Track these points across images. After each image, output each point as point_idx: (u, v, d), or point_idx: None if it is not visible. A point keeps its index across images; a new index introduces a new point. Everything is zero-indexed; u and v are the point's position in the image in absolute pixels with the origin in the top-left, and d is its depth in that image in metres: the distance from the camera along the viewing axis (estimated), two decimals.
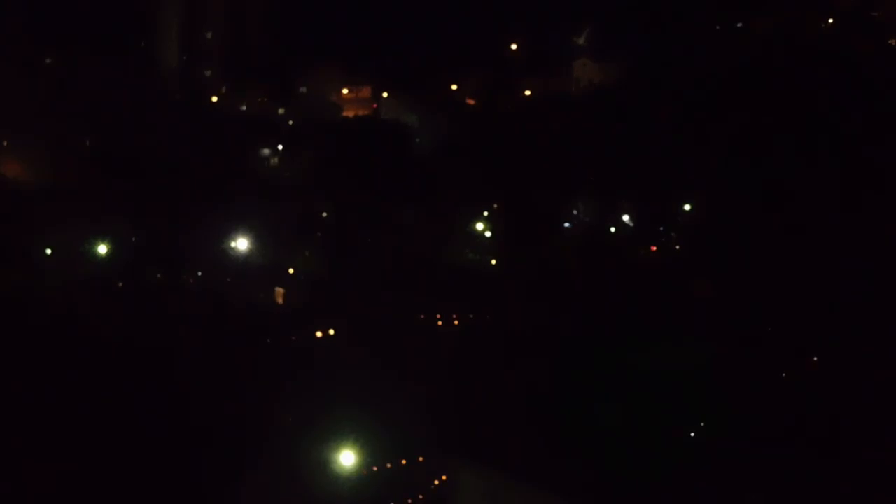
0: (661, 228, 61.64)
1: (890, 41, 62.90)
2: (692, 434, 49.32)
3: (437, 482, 50.00)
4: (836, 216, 52.20)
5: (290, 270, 61.72)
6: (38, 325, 51.24)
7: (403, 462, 50.22)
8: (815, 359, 51.50)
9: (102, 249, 58.82)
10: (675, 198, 60.49)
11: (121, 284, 58.23)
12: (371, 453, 49.12)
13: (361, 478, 48.91)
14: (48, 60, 68.43)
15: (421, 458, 50.38)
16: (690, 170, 58.20)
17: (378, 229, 62.05)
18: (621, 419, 47.10)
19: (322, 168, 66.12)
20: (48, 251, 57.89)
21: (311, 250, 62.21)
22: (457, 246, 62.84)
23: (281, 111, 72.77)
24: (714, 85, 59.34)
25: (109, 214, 58.75)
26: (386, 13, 71.15)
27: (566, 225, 63.22)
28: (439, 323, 59.13)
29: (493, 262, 62.66)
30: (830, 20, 63.58)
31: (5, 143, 64.58)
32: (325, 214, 64.25)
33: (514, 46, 72.31)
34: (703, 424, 49.40)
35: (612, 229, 62.28)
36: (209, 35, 73.85)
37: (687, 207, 60.51)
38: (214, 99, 72.92)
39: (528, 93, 71.84)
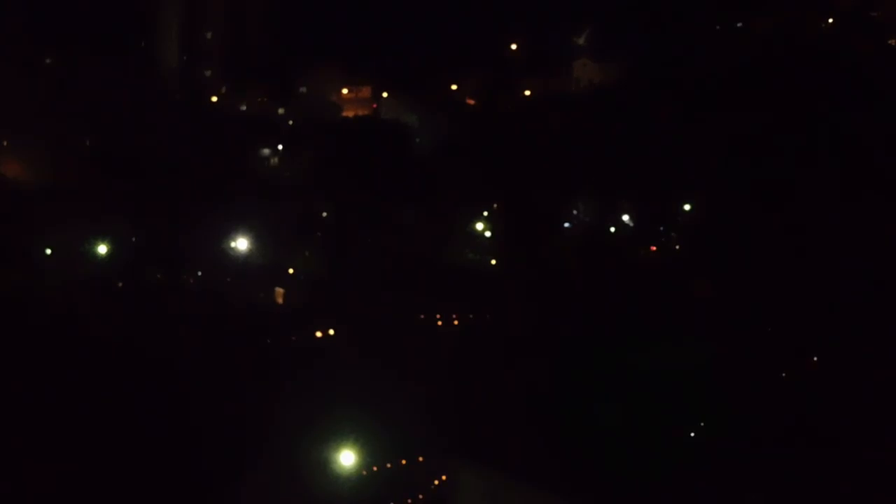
0: (661, 228, 61.65)
1: (890, 41, 62.93)
2: (692, 434, 49.31)
3: (437, 482, 49.97)
4: (836, 216, 52.19)
5: (290, 270, 61.72)
6: (38, 325, 51.24)
7: (403, 462, 50.20)
8: (815, 359, 51.50)
9: (102, 249, 58.83)
10: (675, 198, 60.50)
11: (121, 284, 58.23)
12: (371, 453, 49.11)
13: (361, 478, 48.90)
14: (48, 60, 68.44)
15: (421, 458, 50.36)
16: (690, 170, 58.20)
17: (378, 229, 62.05)
18: (621, 419, 47.09)
19: (322, 168, 66.12)
20: (48, 251, 57.89)
21: (311, 250, 62.22)
22: (457, 246, 62.85)
23: (281, 111, 72.76)
24: (714, 85, 59.35)
25: (109, 214, 58.77)
26: (386, 13, 71.19)
27: (566, 225, 63.22)
28: (439, 323, 59.13)
29: (493, 262, 62.66)
30: (830, 20, 63.62)
31: (5, 143, 64.58)
32: (325, 214, 64.26)
33: (514, 46, 72.32)
34: (703, 424, 49.39)
35: (612, 229, 62.28)
36: (209, 35, 73.83)
37: (687, 207, 60.52)
38: (214, 99, 72.91)
39: (528, 93, 71.84)
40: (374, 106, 74.92)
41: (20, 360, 48.68)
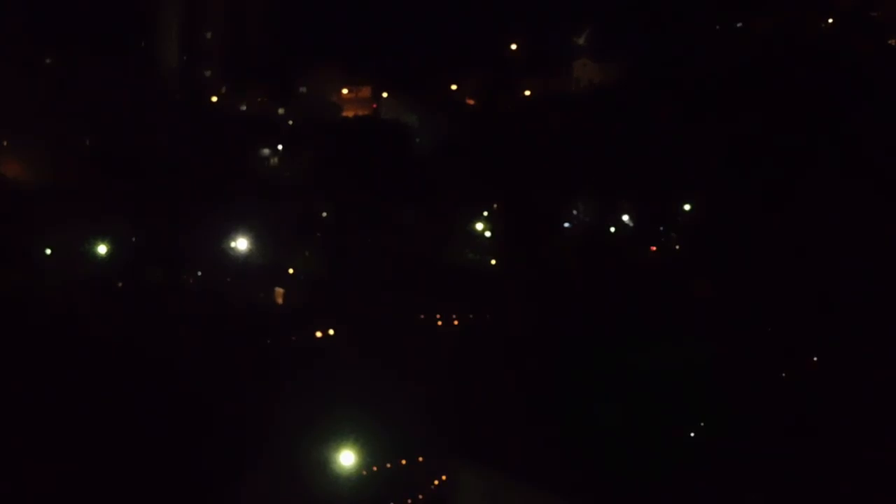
0: (661, 228, 61.66)
1: (890, 41, 62.94)
2: (692, 434, 49.31)
3: (437, 482, 49.97)
4: (836, 216, 52.18)
5: (290, 270, 61.72)
6: (38, 325, 51.24)
7: (403, 462, 50.20)
8: (815, 359, 51.50)
9: (102, 249, 58.83)
10: (675, 198, 60.51)
11: (121, 284, 58.23)
12: (371, 453, 49.10)
13: (361, 478, 48.90)
14: (48, 60, 68.45)
15: (421, 458, 50.36)
16: (690, 170, 58.20)
17: (378, 229, 62.05)
18: (621, 419, 47.09)
19: (322, 168, 66.13)
20: (48, 251, 57.90)
21: (311, 250, 62.22)
22: (457, 246, 62.86)
23: (281, 111, 72.78)
24: (714, 85, 59.35)
25: (109, 214, 58.77)
26: (386, 13, 71.20)
27: (566, 225, 63.22)
28: (439, 323, 59.13)
29: (493, 262, 62.66)
30: (830, 20, 63.63)
31: (5, 143, 64.58)
32: (325, 214, 64.26)
33: (514, 46, 72.32)
34: (703, 424, 49.39)
35: (612, 229, 62.29)
36: (209, 35, 73.84)
37: (687, 207, 60.52)
38: (214, 99, 72.92)
39: (528, 93, 71.85)
40: (374, 106, 74.93)
41: (20, 360, 48.67)
